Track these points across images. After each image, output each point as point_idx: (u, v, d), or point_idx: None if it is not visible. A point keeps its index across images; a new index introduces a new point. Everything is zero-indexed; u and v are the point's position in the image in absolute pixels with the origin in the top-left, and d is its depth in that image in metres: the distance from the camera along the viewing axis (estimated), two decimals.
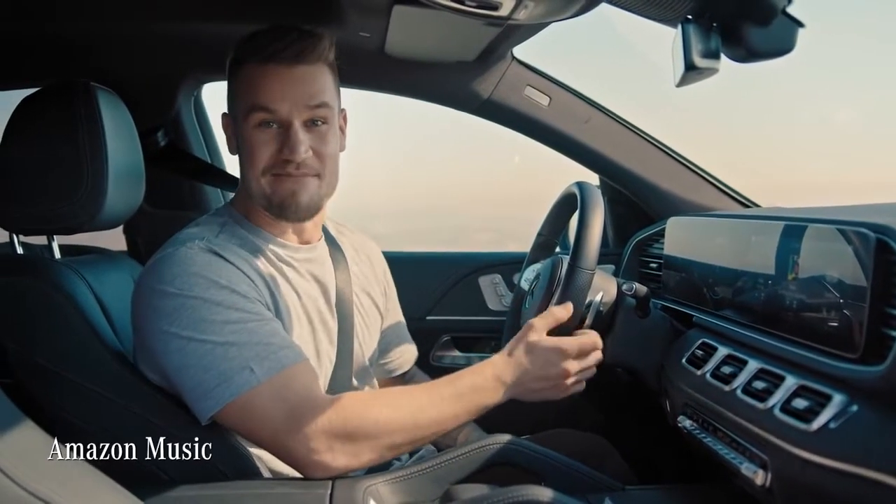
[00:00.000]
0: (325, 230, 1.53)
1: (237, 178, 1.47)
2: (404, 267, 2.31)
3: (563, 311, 1.36)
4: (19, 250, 1.52)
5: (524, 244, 1.95)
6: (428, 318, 2.29)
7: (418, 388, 1.28)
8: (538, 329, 1.33)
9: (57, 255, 1.47)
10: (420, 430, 1.22)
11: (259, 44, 1.30)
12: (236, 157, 1.40)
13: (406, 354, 1.73)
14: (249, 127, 1.31)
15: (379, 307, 1.63)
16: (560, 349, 1.32)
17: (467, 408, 1.26)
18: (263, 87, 1.30)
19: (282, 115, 1.30)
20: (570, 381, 1.34)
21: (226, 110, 1.42)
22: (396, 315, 1.73)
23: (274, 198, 1.33)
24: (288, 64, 1.29)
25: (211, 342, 1.17)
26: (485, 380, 1.28)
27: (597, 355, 1.38)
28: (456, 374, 1.29)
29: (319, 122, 1.33)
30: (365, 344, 1.52)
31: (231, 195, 1.63)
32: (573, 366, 1.33)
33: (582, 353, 1.35)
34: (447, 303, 2.31)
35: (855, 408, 0.96)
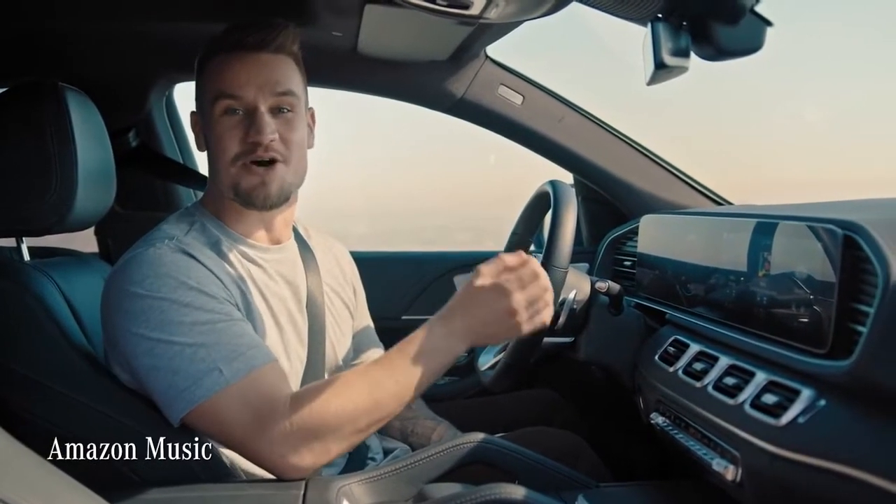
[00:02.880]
0: (294, 231, 1.52)
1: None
2: (380, 266, 2.31)
3: (512, 258, 1.27)
4: None
5: (500, 243, 1.95)
6: (403, 317, 2.28)
7: (371, 365, 1.24)
8: (482, 274, 1.26)
9: (26, 257, 1.45)
10: (382, 408, 1.20)
11: (223, 37, 1.32)
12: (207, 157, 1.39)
13: (374, 357, 1.72)
14: (216, 115, 1.31)
15: (350, 308, 1.63)
16: (499, 285, 1.24)
17: (426, 371, 1.22)
18: (228, 75, 1.31)
19: (247, 100, 1.30)
20: (522, 315, 1.24)
21: (194, 109, 1.42)
22: (365, 318, 1.73)
23: (241, 188, 1.32)
24: (251, 51, 1.31)
25: (180, 344, 1.17)
26: (435, 338, 1.23)
27: (543, 282, 1.27)
28: (405, 340, 1.24)
29: (286, 110, 1.34)
30: (338, 344, 1.52)
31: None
32: (519, 298, 1.24)
33: (523, 283, 1.25)
34: (423, 302, 2.30)
35: (823, 402, 0.98)
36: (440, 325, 1.25)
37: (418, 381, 1.22)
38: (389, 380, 1.21)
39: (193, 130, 1.42)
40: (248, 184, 1.32)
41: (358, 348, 1.66)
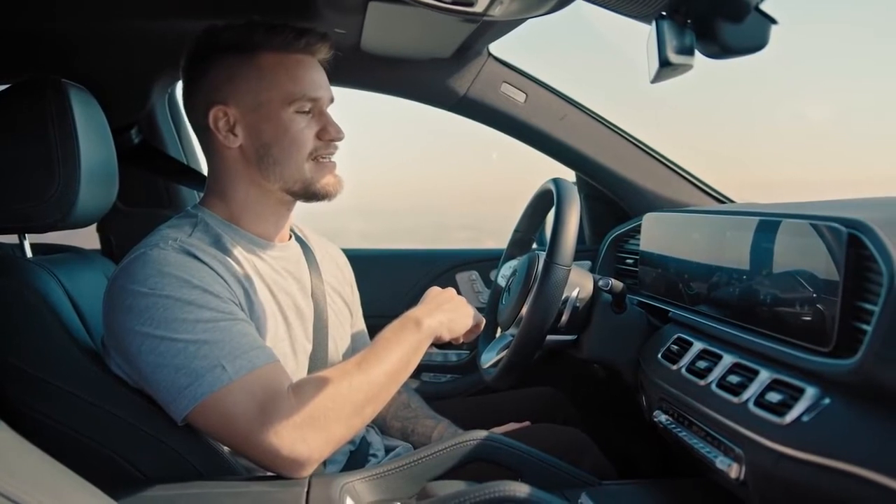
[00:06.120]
0: (293, 231, 1.52)
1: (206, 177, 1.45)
2: (381, 264, 2.31)
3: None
4: None
5: (501, 241, 1.95)
6: None
7: (364, 350, 1.30)
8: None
9: (29, 254, 1.45)
10: (378, 385, 1.24)
11: (284, 34, 1.33)
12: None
13: None
14: (290, 113, 1.34)
15: (349, 306, 1.64)
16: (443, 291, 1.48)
17: (411, 350, 1.31)
18: (307, 77, 1.35)
19: (322, 102, 1.37)
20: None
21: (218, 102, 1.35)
22: (360, 322, 1.73)
23: (316, 183, 1.37)
24: (315, 55, 1.38)
25: (183, 341, 1.16)
26: (412, 320, 1.34)
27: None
28: (390, 325, 1.35)
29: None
30: (340, 340, 1.52)
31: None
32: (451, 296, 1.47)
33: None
34: None
35: (827, 401, 0.98)
36: (414, 312, 1.37)
37: (407, 358, 1.30)
38: (376, 360, 1.26)
39: (216, 125, 1.35)
40: (325, 179, 1.38)
41: (355, 347, 1.66)
